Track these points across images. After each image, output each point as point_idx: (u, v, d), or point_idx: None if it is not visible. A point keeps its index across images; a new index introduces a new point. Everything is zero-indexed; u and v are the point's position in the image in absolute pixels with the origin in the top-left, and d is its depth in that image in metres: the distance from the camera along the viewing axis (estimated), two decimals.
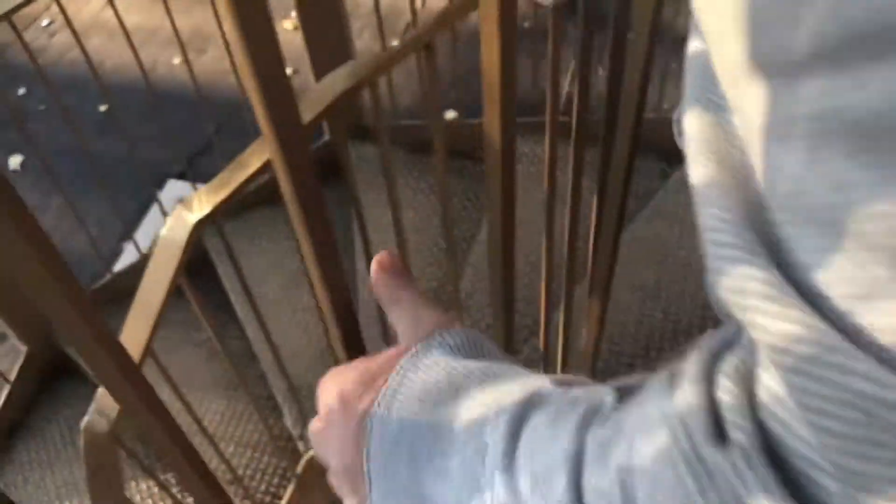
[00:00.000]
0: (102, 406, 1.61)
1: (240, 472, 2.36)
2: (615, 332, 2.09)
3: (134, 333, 1.56)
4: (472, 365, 0.43)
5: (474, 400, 0.40)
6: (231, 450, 2.42)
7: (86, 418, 1.61)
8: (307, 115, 1.41)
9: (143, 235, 3.74)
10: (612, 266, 1.61)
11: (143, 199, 3.48)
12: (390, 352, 0.48)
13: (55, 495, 2.45)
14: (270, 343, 1.90)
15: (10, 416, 2.58)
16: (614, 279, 1.65)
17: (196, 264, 2.76)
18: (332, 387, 0.48)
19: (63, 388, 2.70)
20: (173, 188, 3.89)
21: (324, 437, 0.50)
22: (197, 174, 2.82)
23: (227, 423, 2.48)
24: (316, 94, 1.51)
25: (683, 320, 2.11)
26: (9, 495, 2.44)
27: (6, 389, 2.54)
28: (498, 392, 0.39)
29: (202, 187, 1.51)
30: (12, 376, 2.56)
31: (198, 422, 1.79)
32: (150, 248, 2.51)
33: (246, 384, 1.95)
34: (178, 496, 1.96)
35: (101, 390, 1.62)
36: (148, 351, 1.56)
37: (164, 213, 2.74)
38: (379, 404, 0.43)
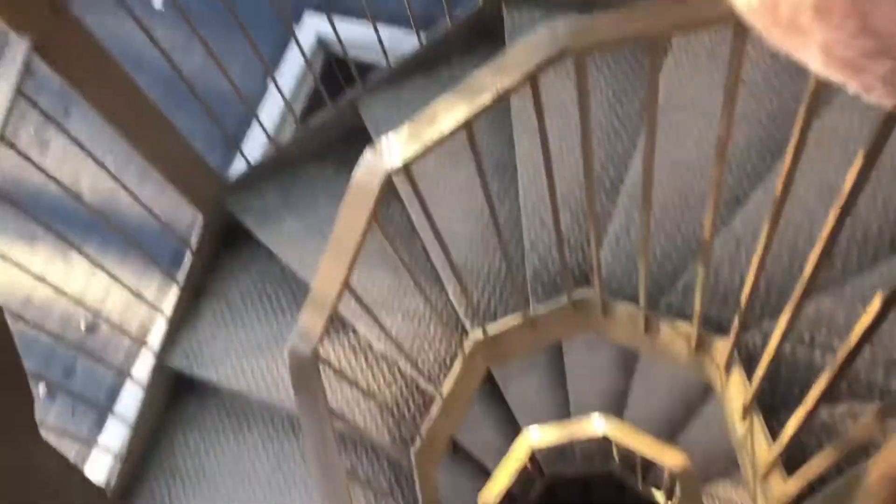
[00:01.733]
0: (304, 330, 1.70)
1: (408, 341, 2.51)
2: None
3: (332, 273, 1.60)
4: None
5: None
6: (399, 320, 2.56)
7: (289, 342, 1.71)
8: None
9: (284, 73, 3.75)
10: None
11: (281, 34, 3.42)
12: None
13: (242, 353, 2.70)
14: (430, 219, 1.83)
15: (195, 278, 2.79)
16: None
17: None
18: None
19: (239, 253, 2.87)
20: (311, 22, 3.81)
21: None
22: (333, 5, 2.70)
23: (392, 293, 2.60)
24: None
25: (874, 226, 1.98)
26: (200, 353, 2.70)
27: (190, 256, 2.74)
28: None
29: (393, 133, 1.47)
30: (193, 243, 2.74)
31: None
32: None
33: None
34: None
35: (303, 314, 1.71)
36: (345, 288, 1.61)
37: (303, 54, 2.78)
38: None
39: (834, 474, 1.44)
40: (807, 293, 1.04)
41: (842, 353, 0.81)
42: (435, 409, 2.46)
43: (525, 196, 2.42)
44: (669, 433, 3.92)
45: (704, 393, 3.92)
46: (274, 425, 2.75)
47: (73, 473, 1.42)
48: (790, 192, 1.13)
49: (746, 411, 1.49)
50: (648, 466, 3.88)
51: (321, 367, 1.75)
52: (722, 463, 3.63)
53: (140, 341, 2.68)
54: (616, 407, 4.17)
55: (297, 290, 2.79)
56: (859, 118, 2.04)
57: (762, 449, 1.43)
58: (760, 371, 1.28)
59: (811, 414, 1.00)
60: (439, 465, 2.64)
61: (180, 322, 2.79)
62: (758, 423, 1.46)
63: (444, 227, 1.75)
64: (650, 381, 4.04)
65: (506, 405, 4.35)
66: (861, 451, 1.42)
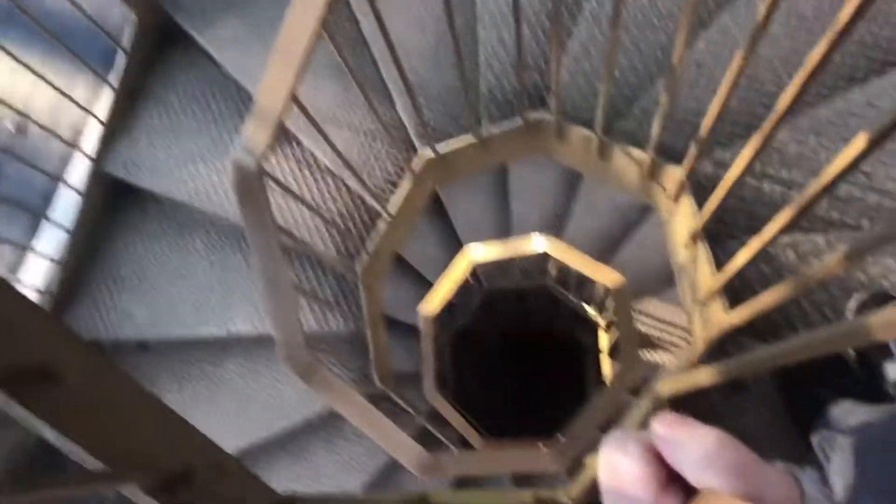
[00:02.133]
0: (249, 143, 1.63)
1: (355, 156, 2.45)
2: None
3: (278, 83, 1.52)
4: None
5: None
6: (346, 133, 2.48)
7: (232, 155, 1.64)
8: None
9: None
10: None
11: None
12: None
13: (182, 161, 2.60)
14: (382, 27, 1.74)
15: (129, 81, 2.62)
16: None
17: None
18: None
19: (175, 54, 2.69)
20: None
21: None
22: None
23: (340, 106, 2.50)
24: None
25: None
26: (139, 161, 2.59)
27: (124, 56, 2.55)
28: None
29: None
30: (126, 43, 2.54)
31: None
32: None
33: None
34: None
35: (247, 126, 1.64)
36: (292, 100, 1.54)
37: None
38: None
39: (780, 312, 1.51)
40: (778, 126, 1.02)
41: (813, 189, 0.80)
42: (381, 226, 2.45)
43: (482, 5, 2.29)
44: (606, 252, 4.04)
45: (642, 215, 4.02)
46: (217, 235, 2.71)
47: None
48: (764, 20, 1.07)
49: (693, 239, 1.51)
50: (582, 283, 4.03)
51: (265, 180, 1.69)
52: (653, 282, 3.80)
53: (74, 145, 2.55)
54: (557, 226, 4.26)
55: (239, 95, 2.66)
56: None
57: (705, 276, 1.47)
58: (714, 201, 1.29)
59: (765, 247, 1.02)
60: (383, 279, 2.67)
61: (116, 126, 2.65)
62: (703, 250, 1.50)
63: (395, 38, 1.64)
64: (591, 202, 4.11)
65: (449, 221, 4.39)
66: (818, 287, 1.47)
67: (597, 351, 4.50)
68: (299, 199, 1.95)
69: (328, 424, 2.95)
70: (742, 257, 1.10)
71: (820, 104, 1.80)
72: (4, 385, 0.70)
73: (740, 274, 1.33)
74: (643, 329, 3.56)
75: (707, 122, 1.32)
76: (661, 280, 3.79)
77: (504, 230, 4.38)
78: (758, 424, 1.37)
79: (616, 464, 0.45)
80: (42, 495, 0.60)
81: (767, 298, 0.89)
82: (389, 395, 2.71)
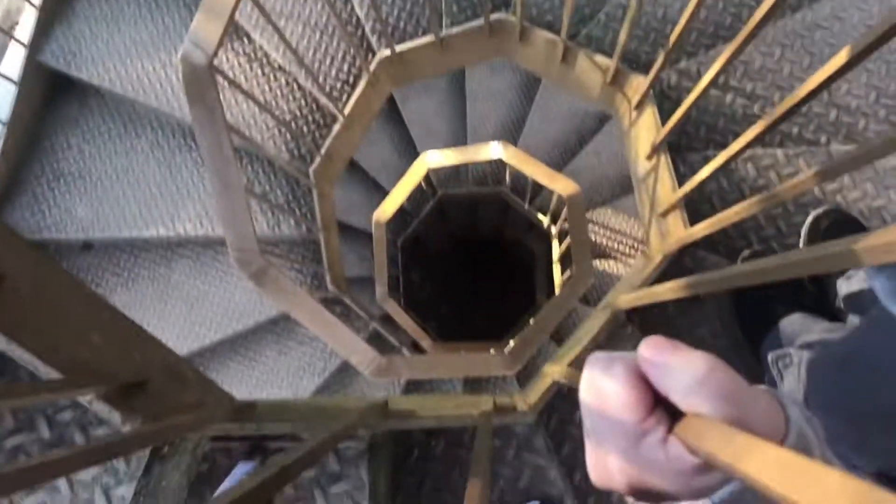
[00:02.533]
0: (199, 37, 1.55)
1: (309, 54, 2.36)
2: None
3: None
4: None
5: None
6: (300, 30, 2.37)
7: (182, 50, 1.57)
8: None
9: None
10: None
11: None
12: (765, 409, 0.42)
13: (125, 53, 2.46)
14: None
15: None
16: None
17: None
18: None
19: None
20: None
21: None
22: None
23: (294, 0, 2.38)
24: None
25: None
26: (78, 51, 2.45)
27: None
28: None
29: None
30: None
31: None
32: None
33: None
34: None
35: (197, 20, 1.56)
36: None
37: None
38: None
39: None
40: (750, 38, 0.99)
41: (788, 102, 0.79)
42: (336, 128, 2.39)
43: None
44: (560, 160, 4.04)
45: (598, 123, 4.01)
46: (164, 133, 2.61)
47: None
48: None
49: (654, 150, 1.50)
50: (537, 191, 4.04)
51: (216, 77, 1.61)
52: (606, 191, 3.82)
53: (6, 32, 2.39)
54: (512, 132, 4.22)
55: None
56: None
57: (666, 188, 1.47)
58: (680, 112, 1.27)
59: (729, 161, 1.01)
60: (336, 182, 2.62)
61: (53, 13, 2.49)
62: (664, 162, 1.49)
63: None
64: (548, 108, 4.06)
65: (403, 125, 4.31)
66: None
67: (547, 258, 4.55)
68: (251, 97, 1.87)
69: (280, 328, 2.95)
70: (705, 171, 1.10)
71: (786, 16, 1.77)
72: None
73: (699, 187, 1.33)
74: (595, 238, 3.60)
75: (677, 31, 1.28)
76: (615, 189, 3.81)
77: (459, 134, 4.32)
78: (711, 336, 1.40)
79: (601, 386, 0.44)
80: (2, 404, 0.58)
81: (733, 214, 0.89)
82: (342, 299, 2.71)
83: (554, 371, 1.14)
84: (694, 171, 1.59)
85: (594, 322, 1.34)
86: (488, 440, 0.80)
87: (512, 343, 3.32)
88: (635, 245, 3.58)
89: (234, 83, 1.71)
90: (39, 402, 0.74)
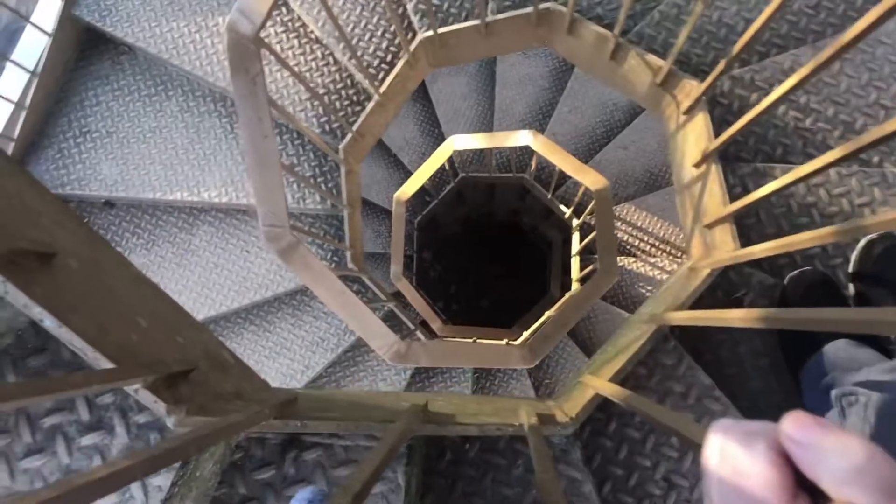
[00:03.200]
0: (248, 7, 1.52)
1: (349, 29, 2.31)
2: None
3: None
4: None
5: None
6: (341, 2, 2.33)
7: (231, 17, 1.53)
8: None
9: None
10: None
11: None
12: None
13: (161, 12, 2.43)
14: None
15: None
16: None
17: None
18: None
19: None
20: None
21: None
22: None
23: None
24: None
25: None
26: (114, 7, 2.41)
27: None
28: None
29: None
30: None
31: None
32: None
33: None
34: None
35: None
36: None
37: None
38: None
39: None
40: (837, 56, 0.95)
41: (876, 133, 0.75)
42: (370, 106, 2.35)
43: None
44: (586, 151, 3.99)
45: (628, 117, 3.95)
46: (194, 97, 2.58)
47: None
48: None
49: (705, 158, 1.46)
50: (560, 182, 3.99)
51: (261, 48, 1.58)
52: (631, 187, 3.77)
53: None
54: (540, 119, 4.17)
55: None
56: None
57: (715, 198, 1.43)
58: (740, 123, 1.23)
59: (797, 182, 0.98)
60: (363, 159, 2.59)
61: None
62: (715, 171, 1.45)
63: None
64: (577, 99, 4.01)
65: (430, 105, 4.27)
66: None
67: (563, 248, 4.52)
68: (290, 69, 1.83)
69: (297, 301, 2.93)
70: (768, 189, 1.06)
71: (848, 27, 1.72)
72: (2, 267, 0.64)
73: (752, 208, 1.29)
74: (617, 234, 3.57)
75: (742, 41, 1.24)
76: (640, 186, 3.77)
77: (486, 117, 4.27)
78: (752, 355, 1.38)
79: (739, 462, 0.41)
80: (50, 395, 0.55)
81: (807, 239, 0.85)
82: (360, 278, 2.69)
83: (596, 384, 1.11)
84: (743, 183, 1.55)
85: (637, 334, 1.31)
86: (544, 449, 0.77)
87: (525, 334, 3.30)
88: (658, 244, 3.54)
89: (278, 56, 1.68)
90: (91, 391, 0.72)
